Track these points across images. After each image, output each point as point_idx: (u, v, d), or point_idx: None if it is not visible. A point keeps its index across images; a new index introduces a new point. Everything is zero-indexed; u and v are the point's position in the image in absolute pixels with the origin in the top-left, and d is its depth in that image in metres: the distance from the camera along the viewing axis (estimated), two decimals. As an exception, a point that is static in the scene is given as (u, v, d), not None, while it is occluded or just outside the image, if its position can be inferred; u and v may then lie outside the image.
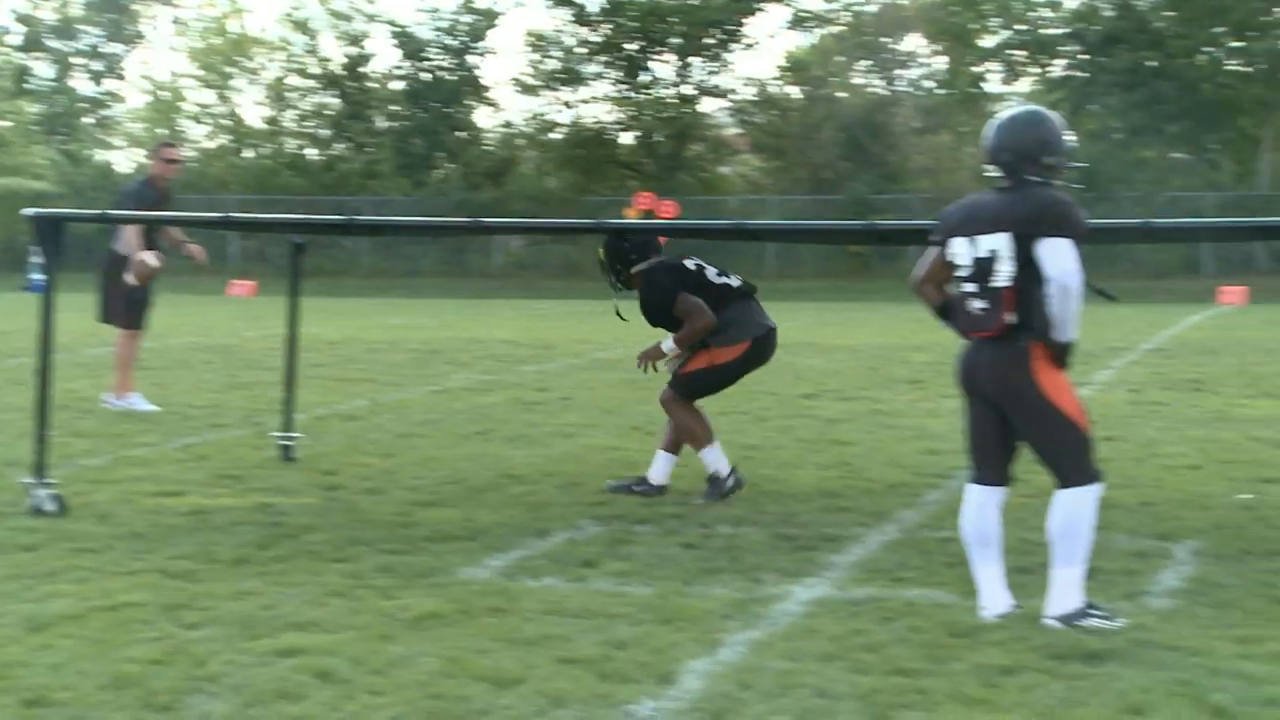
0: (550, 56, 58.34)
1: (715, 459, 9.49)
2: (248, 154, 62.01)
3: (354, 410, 14.07)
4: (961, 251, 6.45)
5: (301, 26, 61.62)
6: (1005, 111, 6.60)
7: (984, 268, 6.36)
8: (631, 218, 41.17)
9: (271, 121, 62.22)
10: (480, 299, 37.62)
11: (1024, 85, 55.36)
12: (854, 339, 23.94)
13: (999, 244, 6.31)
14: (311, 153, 61.01)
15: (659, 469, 9.61)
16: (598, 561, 7.59)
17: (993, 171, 6.45)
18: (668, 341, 9.47)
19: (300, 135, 61.92)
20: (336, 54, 60.80)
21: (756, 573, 7.34)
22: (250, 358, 19.69)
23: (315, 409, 13.74)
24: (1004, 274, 6.30)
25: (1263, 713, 5.17)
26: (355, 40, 60.52)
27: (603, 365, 19.13)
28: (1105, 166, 49.19)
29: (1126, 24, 50.81)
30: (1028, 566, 7.04)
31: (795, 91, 59.91)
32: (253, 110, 65.37)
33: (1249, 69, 50.55)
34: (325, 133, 60.80)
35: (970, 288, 6.43)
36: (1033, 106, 6.69)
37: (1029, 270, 6.25)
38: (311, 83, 61.41)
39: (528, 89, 59.20)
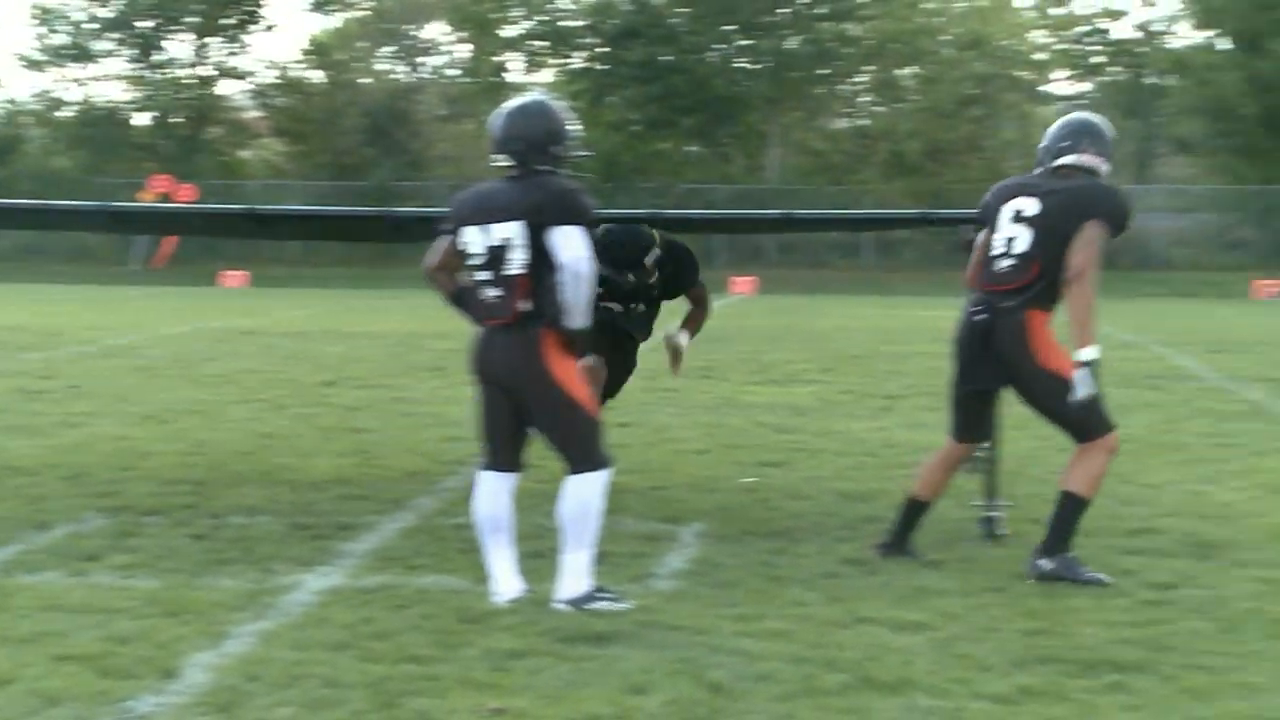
0: (57, 31, 55.96)
1: None
2: None
3: None
4: (474, 240, 6.49)
5: None
6: (511, 102, 6.67)
7: (497, 256, 6.41)
8: (147, 200, 39.93)
9: None
10: (-18, 283, 35.89)
11: (546, 76, 56.19)
12: (376, 326, 23.84)
13: (512, 232, 6.38)
14: None
15: None
16: (101, 555, 7.33)
17: (502, 161, 6.51)
18: (684, 336, 9.27)
19: None
20: None
21: (269, 563, 7.23)
22: None
23: None
24: (517, 262, 6.37)
25: (756, 687, 5.38)
26: None
27: (115, 352, 18.51)
28: (624, 158, 50.43)
29: (642, 18, 52.19)
30: (540, 551, 7.13)
31: (318, 75, 59.22)
32: None
33: (757, 66, 52.66)
34: None
35: (484, 275, 6.47)
36: (539, 96, 6.78)
37: (542, 258, 6.34)
38: None
39: (34, 64, 56.65)
